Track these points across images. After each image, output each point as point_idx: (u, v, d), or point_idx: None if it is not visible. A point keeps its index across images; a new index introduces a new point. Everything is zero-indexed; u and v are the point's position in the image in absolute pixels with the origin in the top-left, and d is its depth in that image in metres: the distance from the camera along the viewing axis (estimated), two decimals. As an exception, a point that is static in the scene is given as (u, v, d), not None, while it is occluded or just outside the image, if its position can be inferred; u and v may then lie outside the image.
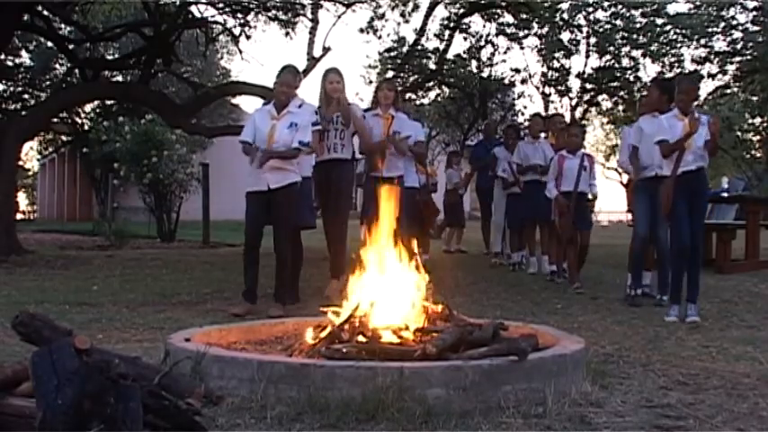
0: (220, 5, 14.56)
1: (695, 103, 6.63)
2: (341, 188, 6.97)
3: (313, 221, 6.78)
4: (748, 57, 14.87)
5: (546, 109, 18.40)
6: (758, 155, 28.35)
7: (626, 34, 15.30)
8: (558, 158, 8.02)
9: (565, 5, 15.31)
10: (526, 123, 18.64)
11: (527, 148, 9.23)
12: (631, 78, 16.50)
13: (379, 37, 17.53)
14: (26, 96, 22.99)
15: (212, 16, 15.12)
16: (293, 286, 6.62)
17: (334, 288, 6.58)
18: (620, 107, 17.83)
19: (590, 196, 8.26)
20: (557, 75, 17.77)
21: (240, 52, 16.28)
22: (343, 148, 6.93)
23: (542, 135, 9.43)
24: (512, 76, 18.89)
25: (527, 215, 9.09)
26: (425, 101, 20.20)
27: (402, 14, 16.19)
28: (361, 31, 17.27)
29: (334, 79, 6.95)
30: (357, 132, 7.00)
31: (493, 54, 18.22)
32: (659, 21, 14.95)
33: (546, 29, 15.99)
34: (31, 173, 44.11)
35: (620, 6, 15.00)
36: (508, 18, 16.43)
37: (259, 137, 6.26)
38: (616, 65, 16.51)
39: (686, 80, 6.83)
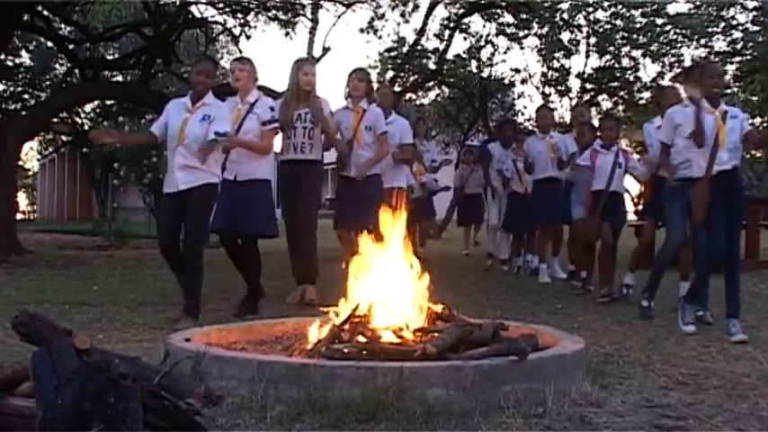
0: (220, 5, 14.59)
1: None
2: (308, 190, 6.46)
3: (273, 230, 6.16)
4: (748, 57, 14.89)
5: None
6: (758, 155, 28.34)
7: (626, 34, 15.33)
8: (590, 153, 7.25)
9: (565, 5, 15.36)
10: (526, 124, 18.71)
11: (537, 144, 8.49)
12: (631, 78, 16.54)
13: (380, 37, 17.61)
14: (26, 96, 22.98)
15: (212, 16, 15.17)
16: (252, 297, 6.17)
17: (313, 293, 6.33)
18: (620, 107, 17.87)
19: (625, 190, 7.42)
20: (557, 75, 17.80)
21: (240, 52, 16.31)
22: (311, 148, 6.44)
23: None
24: (512, 76, 18.96)
25: (541, 216, 8.40)
26: (425, 101, 20.24)
27: (402, 14, 16.26)
28: (362, 31, 17.35)
29: (309, 71, 6.43)
30: (323, 132, 6.50)
31: (493, 54, 18.28)
32: (659, 21, 14.97)
33: (546, 29, 16.03)
34: (31, 173, 44.10)
35: (620, 6, 15.02)
36: (508, 18, 16.47)
37: (171, 131, 5.71)
38: (616, 65, 16.54)
39: (712, 65, 5.91)
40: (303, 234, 6.51)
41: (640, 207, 7.78)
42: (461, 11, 16.12)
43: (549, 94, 18.36)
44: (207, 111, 5.65)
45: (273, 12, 14.76)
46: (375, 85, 8.51)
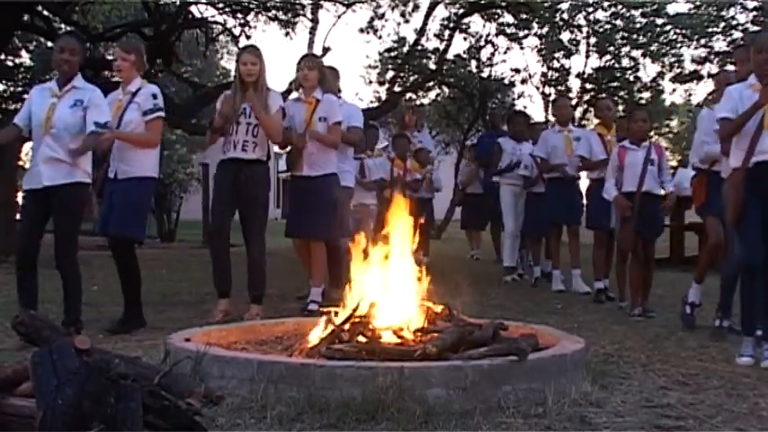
0: (220, 5, 14.59)
1: None
2: (253, 195, 5.76)
3: (139, 234, 5.59)
4: (748, 57, 14.89)
5: (546, 109, 18.43)
6: None
7: (626, 34, 15.37)
8: (618, 151, 6.43)
9: (565, 5, 15.40)
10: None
11: (555, 138, 7.73)
12: (631, 78, 16.57)
13: (380, 37, 17.60)
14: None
15: (212, 16, 15.17)
16: (134, 310, 5.48)
17: (253, 314, 5.67)
18: (620, 107, 17.88)
19: (662, 192, 6.48)
20: (557, 75, 17.81)
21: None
22: (255, 147, 5.75)
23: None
24: (512, 76, 18.96)
25: (556, 219, 7.69)
26: (425, 101, 20.22)
27: (402, 14, 16.27)
28: (361, 31, 17.34)
29: (248, 60, 5.76)
30: (264, 129, 5.77)
31: (493, 54, 18.28)
32: (659, 21, 15.01)
33: (546, 29, 16.04)
34: (31, 173, 44.09)
35: (620, 6, 15.06)
36: (508, 18, 16.48)
37: (35, 120, 5.00)
38: (616, 65, 16.56)
39: (763, 38, 4.83)
40: (248, 246, 5.87)
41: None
42: (461, 11, 16.12)
43: (549, 94, 18.37)
44: (78, 95, 5.02)
45: (273, 12, 14.76)
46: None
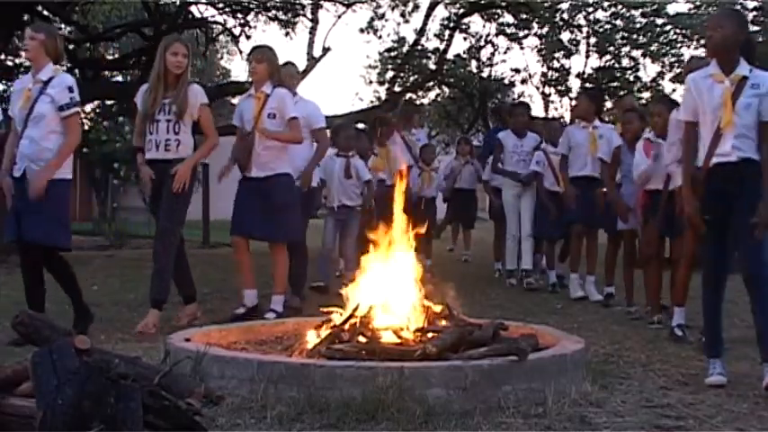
0: (220, 5, 14.59)
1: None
2: (168, 196, 5.33)
3: (62, 240, 5.10)
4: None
5: (546, 109, 18.45)
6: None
7: (626, 34, 15.38)
8: (643, 144, 5.86)
9: (565, 5, 15.40)
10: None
11: (579, 134, 7.15)
12: (631, 78, 16.57)
13: (380, 37, 17.60)
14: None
15: (212, 16, 15.17)
16: (82, 308, 5.30)
17: (189, 313, 5.59)
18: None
19: None
20: (557, 75, 17.82)
21: (240, 52, 16.32)
22: (178, 145, 5.37)
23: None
24: (512, 76, 18.98)
25: (576, 220, 7.14)
26: (425, 101, 20.23)
27: (402, 14, 16.25)
28: (361, 31, 17.34)
29: (181, 51, 5.35)
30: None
31: (493, 54, 18.30)
32: (659, 21, 15.02)
33: (546, 29, 16.05)
34: (31, 173, 44.12)
35: (620, 6, 15.06)
36: (508, 18, 16.49)
37: None
38: (616, 65, 16.57)
39: (734, 14, 4.33)
40: (156, 248, 5.51)
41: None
42: (461, 11, 16.12)
43: (549, 94, 18.39)
44: None
45: (273, 12, 14.76)
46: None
